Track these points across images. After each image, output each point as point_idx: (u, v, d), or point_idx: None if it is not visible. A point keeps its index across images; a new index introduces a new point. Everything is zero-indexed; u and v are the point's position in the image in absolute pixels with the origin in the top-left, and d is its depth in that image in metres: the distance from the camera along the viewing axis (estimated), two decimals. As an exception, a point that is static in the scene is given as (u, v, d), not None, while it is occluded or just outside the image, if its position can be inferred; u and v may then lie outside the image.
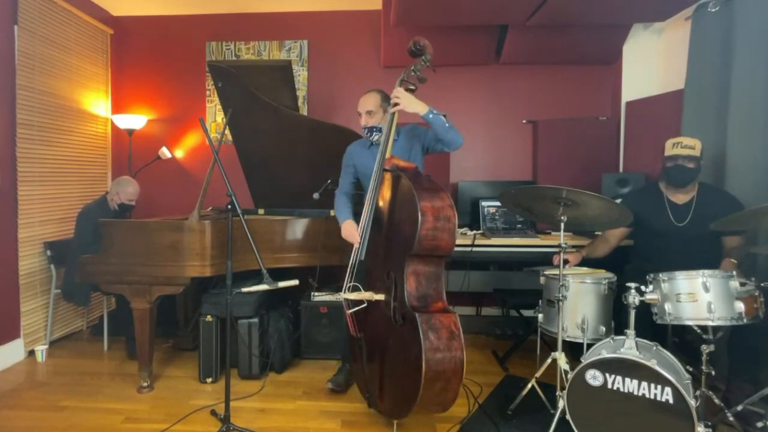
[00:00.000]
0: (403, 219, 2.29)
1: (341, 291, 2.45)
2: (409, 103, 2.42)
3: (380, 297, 2.33)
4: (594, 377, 2.05)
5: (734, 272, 2.17)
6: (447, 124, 2.43)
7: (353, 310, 2.39)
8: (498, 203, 3.57)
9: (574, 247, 3.29)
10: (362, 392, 2.53)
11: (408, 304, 2.22)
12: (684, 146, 2.57)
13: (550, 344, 2.95)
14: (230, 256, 2.31)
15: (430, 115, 2.41)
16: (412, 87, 2.53)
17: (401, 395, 2.21)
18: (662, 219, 2.67)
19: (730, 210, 2.48)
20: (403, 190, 2.29)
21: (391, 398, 2.29)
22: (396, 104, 2.44)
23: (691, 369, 2.23)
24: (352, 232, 2.49)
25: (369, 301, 2.37)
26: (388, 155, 2.45)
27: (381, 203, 2.43)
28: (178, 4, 4.28)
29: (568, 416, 2.11)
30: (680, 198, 2.69)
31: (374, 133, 2.60)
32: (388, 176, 2.41)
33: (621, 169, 4.04)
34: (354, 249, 2.47)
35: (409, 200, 2.24)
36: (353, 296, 2.35)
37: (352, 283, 2.39)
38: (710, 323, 2.10)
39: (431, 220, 2.20)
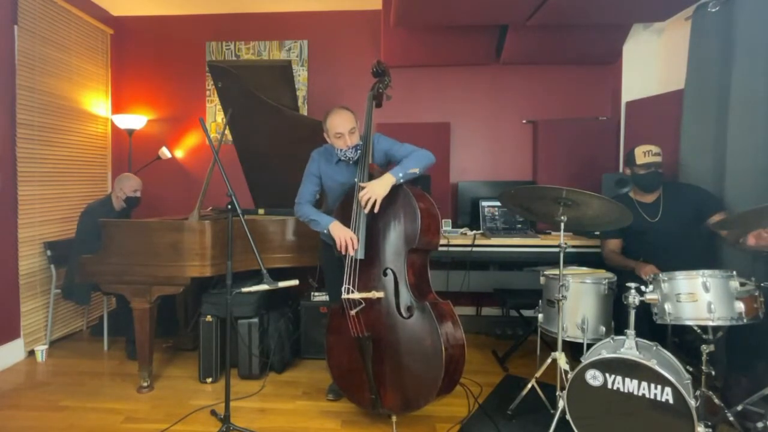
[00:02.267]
0: (400, 218, 2.41)
1: (329, 293, 2.48)
2: (382, 192, 2.35)
3: (380, 295, 2.38)
4: (594, 377, 2.05)
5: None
6: (417, 175, 2.48)
7: (356, 310, 2.39)
8: (498, 203, 3.57)
9: (574, 247, 3.30)
10: (362, 402, 2.47)
11: (412, 297, 2.33)
12: (654, 154, 2.77)
13: (550, 344, 2.95)
14: (230, 256, 2.31)
15: (401, 180, 2.40)
16: (377, 103, 2.66)
17: (421, 385, 2.28)
18: (638, 219, 2.77)
19: (696, 197, 2.79)
20: (398, 192, 2.43)
21: (409, 391, 2.32)
22: (369, 199, 2.34)
23: (691, 369, 2.23)
24: (347, 231, 2.42)
25: (367, 300, 2.38)
26: (371, 161, 2.55)
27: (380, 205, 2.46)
28: (178, 4, 4.28)
29: (568, 416, 2.11)
30: (648, 198, 2.87)
31: (358, 151, 2.53)
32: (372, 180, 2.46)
33: (621, 169, 4.04)
34: (349, 250, 2.45)
35: (406, 201, 2.40)
36: (358, 296, 2.36)
37: (347, 286, 2.40)
38: (710, 323, 2.10)
39: (426, 217, 2.39)
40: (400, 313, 2.34)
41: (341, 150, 2.52)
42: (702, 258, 2.63)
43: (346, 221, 2.47)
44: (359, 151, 2.54)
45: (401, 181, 2.41)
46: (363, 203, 2.36)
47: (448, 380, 2.30)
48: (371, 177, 2.44)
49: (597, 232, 3.18)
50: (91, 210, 3.53)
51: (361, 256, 2.41)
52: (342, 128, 2.48)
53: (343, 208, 2.53)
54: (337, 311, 2.50)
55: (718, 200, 2.82)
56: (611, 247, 2.94)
